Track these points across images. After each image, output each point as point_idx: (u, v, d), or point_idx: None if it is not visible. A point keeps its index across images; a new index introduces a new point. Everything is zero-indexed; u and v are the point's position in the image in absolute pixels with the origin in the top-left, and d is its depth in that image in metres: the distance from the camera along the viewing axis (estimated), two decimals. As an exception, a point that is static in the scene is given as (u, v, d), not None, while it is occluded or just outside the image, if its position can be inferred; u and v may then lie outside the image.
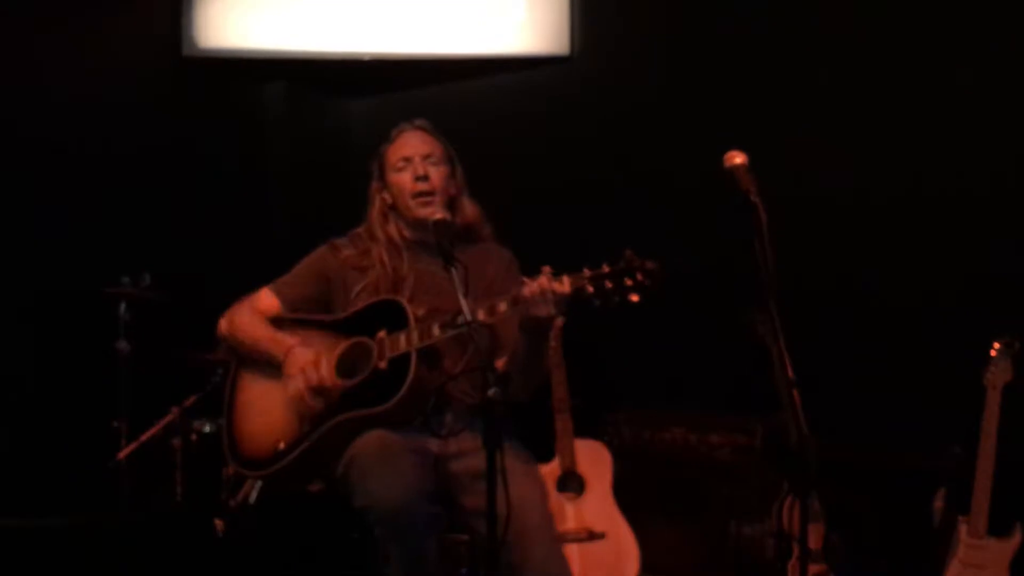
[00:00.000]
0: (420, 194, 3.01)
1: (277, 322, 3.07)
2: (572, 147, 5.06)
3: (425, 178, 2.99)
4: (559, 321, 3.30)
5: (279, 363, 2.95)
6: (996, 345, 3.68)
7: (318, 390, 2.85)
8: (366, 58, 5.28)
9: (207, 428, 4.39)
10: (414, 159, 3.01)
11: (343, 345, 2.93)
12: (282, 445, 2.90)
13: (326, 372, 2.87)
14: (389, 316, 2.87)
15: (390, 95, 5.67)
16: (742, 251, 2.44)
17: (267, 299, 3.09)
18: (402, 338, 2.81)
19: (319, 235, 3.18)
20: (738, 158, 2.56)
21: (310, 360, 2.89)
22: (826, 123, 4.48)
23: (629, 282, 2.57)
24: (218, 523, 4.01)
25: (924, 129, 4.27)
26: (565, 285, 2.61)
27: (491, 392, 2.33)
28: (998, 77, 4.16)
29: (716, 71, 4.76)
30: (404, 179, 3.02)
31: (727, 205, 2.55)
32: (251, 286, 3.16)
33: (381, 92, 5.70)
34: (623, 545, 3.93)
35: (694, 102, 4.78)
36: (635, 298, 2.57)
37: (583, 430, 4.16)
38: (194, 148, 5.22)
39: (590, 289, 2.59)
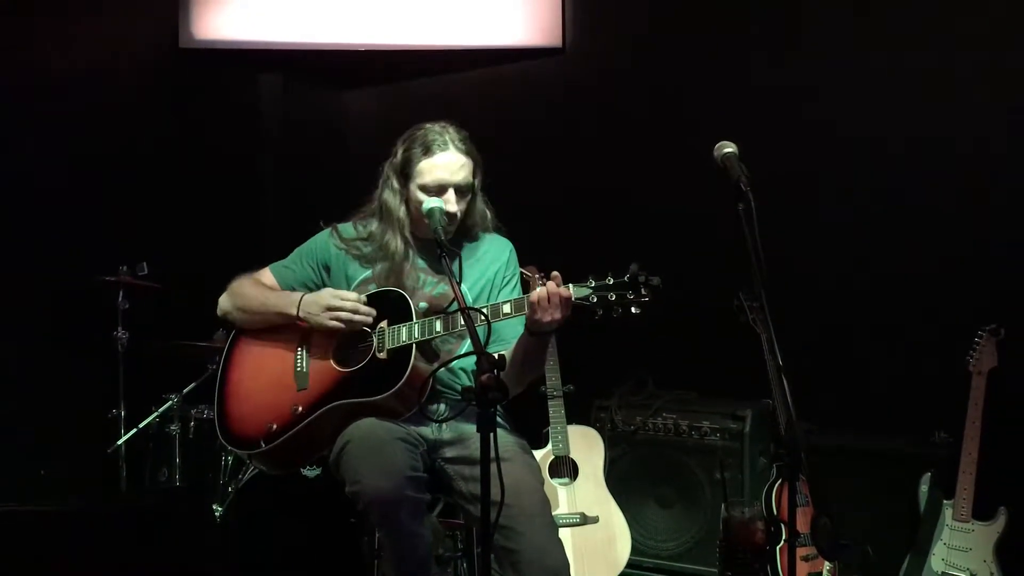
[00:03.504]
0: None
1: None
2: (565, 138, 5.09)
3: (453, 215, 2.96)
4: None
5: (292, 318, 2.97)
6: (981, 332, 3.73)
7: (356, 308, 2.89)
8: (361, 49, 5.30)
9: (205, 415, 4.42)
10: (449, 191, 2.94)
11: (343, 330, 2.96)
12: (275, 426, 2.93)
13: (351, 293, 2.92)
14: (391, 306, 2.90)
15: (385, 86, 5.69)
16: (733, 239, 2.48)
17: (267, 278, 3.12)
18: (403, 330, 2.85)
19: (315, 224, 3.17)
20: (728, 147, 2.60)
21: (330, 291, 2.94)
22: (818, 114, 4.51)
23: (632, 296, 2.62)
24: (216, 508, 4.05)
25: (912, 122, 4.31)
26: (569, 294, 2.65)
27: (484, 378, 2.36)
28: (984, 62, 4.21)
29: (707, 63, 4.78)
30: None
31: (718, 194, 2.59)
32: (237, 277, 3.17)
33: (376, 83, 5.72)
34: (615, 529, 3.97)
35: (685, 93, 4.81)
36: (636, 311, 2.63)
37: (575, 416, 4.20)
38: (191, 138, 5.24)
39: (593, 299, 2.64)
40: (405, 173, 2.99)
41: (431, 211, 2.89)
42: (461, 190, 2.96)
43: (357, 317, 2.89)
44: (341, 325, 2.91)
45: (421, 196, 2.94)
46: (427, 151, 2.94)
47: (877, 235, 4.39)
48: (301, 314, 2.96)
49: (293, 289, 3.08)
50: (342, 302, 2.90)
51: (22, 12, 4.79)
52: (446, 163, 2.93)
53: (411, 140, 2.99)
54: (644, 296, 2.61)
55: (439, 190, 2.93)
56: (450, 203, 2.93)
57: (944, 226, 4.24)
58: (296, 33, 5.28)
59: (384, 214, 3.03)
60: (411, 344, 2.82)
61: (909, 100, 4.32)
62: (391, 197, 3.02)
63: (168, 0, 5.21)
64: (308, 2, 5.29)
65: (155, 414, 4.45)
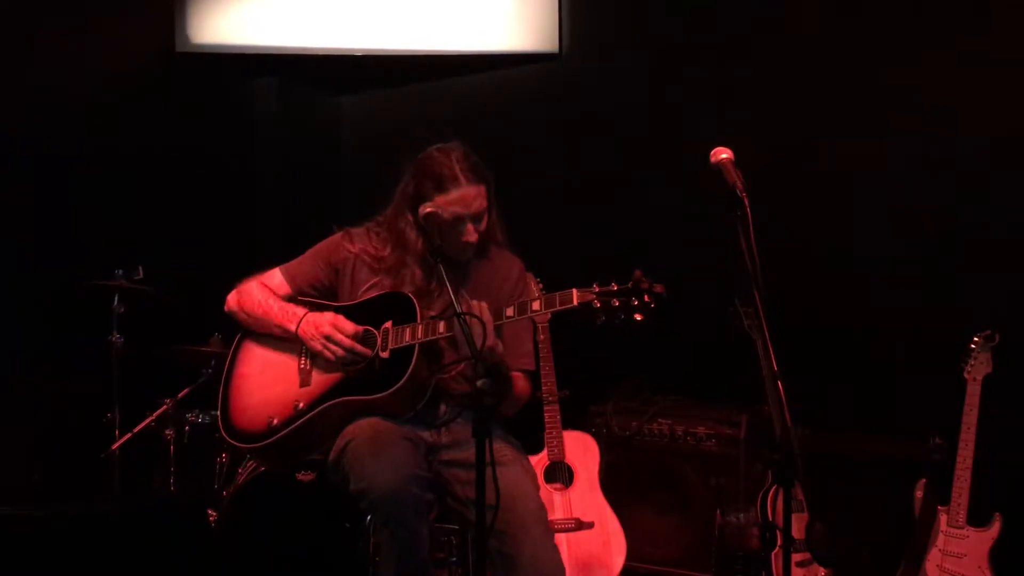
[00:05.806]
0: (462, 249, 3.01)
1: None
2: (560, 143, 5.10)
3: (472, 244, 2.98)
4: (546, 316, 3.31)
5: (291, 334, 2.99)
6: (976, 338, 3.73)
7: (355, 341, 2.90)
8: (357, 54, 5.30)
9: (200, 419, 4.42)
10: (467, 221, 2.94)
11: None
12: (275, 420, 2.95)
13: (349, 326, 2.93)
14: (397, 309, 2.92)
15: (381, 91, 5.69)
16: (729, 245, 2.48)
17: (276, 279, 3.13)
18: (407, 331, 2.86)
19: (310, 229, 3.19)
20: (724, 154, 2.61)
21: (331, 319, 2.94)
22: (814, 119, 4.52)
23: (635, 302, 2.63)
24: (211, 513, 4.04)
25: (907, 123, 4.32)
26: (573, 298, 2.67)
27: (480, 383, 2.36)
28: (980, 68, 4.23)
29: (702, 68, 4.79)
30: (452, 232, 2.95)
31: (714, 200, 2.60)
32: (243, 279, 3.19)
33: (372, 88, 5.73)
34: (610, 535, 3.97)
35: (681, 99, 4.82)
36: (639, 317, 2.63)
37: (571, 421, 4.20)
38: (187, 143, 5.23)
39: (597, 304, 2.65)
40: (421, 198, 2.97)
41: (423, 217, 2.92)
42: (478, 217, 2.96)
43: (350, 358, 2.91)
44: (332, 357, 2.92)
45: (445, 227, 2.93)
46: (439, 187, 2.92)
47: (873, 240, 4.39)
48: (300, 333, 2.97)
49: (301, 290, 3.11)
50: (341, 338, 2.91)
51: (20, 16, 4.79)
52: (460, 198, 2.91)
53: (421, 173, 2.97)
54: (648, 302, 2.62)
55: (456, 222, 2.93)
56: (469, 234, 2.94)
57: (938, 231, 4.24)
58: (293, 38, 5.28)
59: (398, 244, 3.04)
60: (414, 344, 2.83)
61: (906, 105, 4.33)
62: (407, 229, 3.02)
63: (164, 5, 5.21)
64: (305, 7, 5.29)
65: (150, 418, 4.45)
